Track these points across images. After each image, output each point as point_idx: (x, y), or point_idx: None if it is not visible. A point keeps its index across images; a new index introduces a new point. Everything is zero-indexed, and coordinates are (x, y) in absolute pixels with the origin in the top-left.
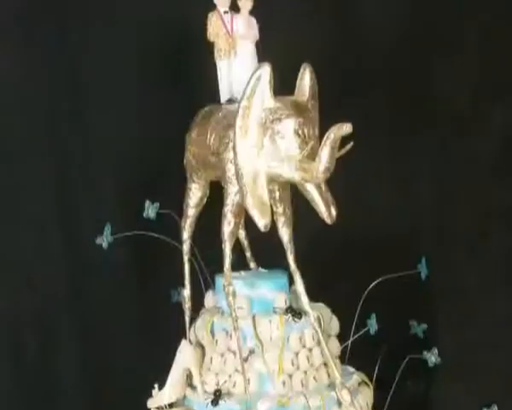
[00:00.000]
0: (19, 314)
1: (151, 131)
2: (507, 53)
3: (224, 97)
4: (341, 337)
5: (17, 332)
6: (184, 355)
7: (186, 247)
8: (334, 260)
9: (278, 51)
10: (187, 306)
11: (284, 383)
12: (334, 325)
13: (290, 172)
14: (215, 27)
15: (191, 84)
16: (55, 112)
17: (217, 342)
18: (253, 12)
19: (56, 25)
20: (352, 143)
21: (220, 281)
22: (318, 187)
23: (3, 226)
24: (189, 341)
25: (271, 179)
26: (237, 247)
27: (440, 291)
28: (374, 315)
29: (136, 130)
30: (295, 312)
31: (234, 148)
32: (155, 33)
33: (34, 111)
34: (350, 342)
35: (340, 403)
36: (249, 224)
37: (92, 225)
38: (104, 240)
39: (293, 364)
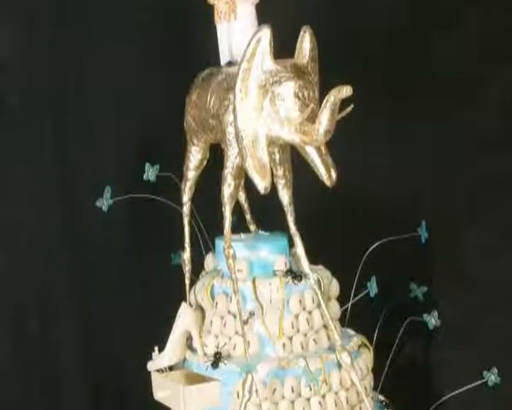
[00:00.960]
0: (18, 280)
1: (151, 93)
2: (507, 27)
3: (223, 60)
4: (341, 300)
5: (16, 296)
6: (184, 318)
7: (186, 209)
8: (334, 222)
9: (278, 14)
10: (187, 268)
11: (284, 345)
12: (334, 287)
13: (290, 135)
14: None
15: (191, 47)
16: (54, 72)
17: (217, 304)
18: None
19: None
20: (351, 106)
21: (220, 244)
22: (318, 150)
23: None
24: (189, 303)
25: (271, 142)
26: (237, 209)
27: (440, 254)
28: (374, 278)
29: (135, 92)
30: (295, 274)
31: (234, 110)
32: None
33: (34, 71)
34: (350, 304)
35: (340, 366)
36: (249, 186)
37: (92, 188)
38: (104, 203)
39: (293, 326)
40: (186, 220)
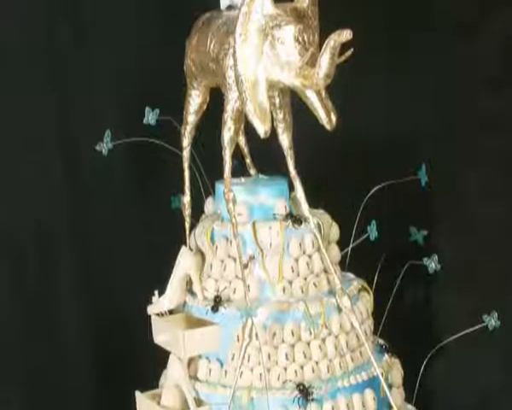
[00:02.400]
0: (18, 221)
1: (151, 37)
2: None
3: (224, 4)
4: (341, 244)
5: (16, 241)
6: (184, 262)
7: (186, 153)
8: (334, 166)
9: None
10: (187, 212)
11: (284, 289)
12: (334, 231)
13: (290, 79)
14: None
15: None
16: (53, 22)
17: (216, 248)
18: None
19: None
20: (352, 50)
21: (220, 188)
22: (318, 93)
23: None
24: (189, 247)
25: (271, 86)
26: (237, 153)
27: (440, 198)
28: (374, 222)
29: (135, 37)
30: (295, 218)
31: (234, 54)
32: None
33: (33, 18)
34: (350, 248)
35: (340, 309)
36: (249, 130)
37: (92, 132)
38: (104, 147)
39: (293, 270)
40: (186, 164)
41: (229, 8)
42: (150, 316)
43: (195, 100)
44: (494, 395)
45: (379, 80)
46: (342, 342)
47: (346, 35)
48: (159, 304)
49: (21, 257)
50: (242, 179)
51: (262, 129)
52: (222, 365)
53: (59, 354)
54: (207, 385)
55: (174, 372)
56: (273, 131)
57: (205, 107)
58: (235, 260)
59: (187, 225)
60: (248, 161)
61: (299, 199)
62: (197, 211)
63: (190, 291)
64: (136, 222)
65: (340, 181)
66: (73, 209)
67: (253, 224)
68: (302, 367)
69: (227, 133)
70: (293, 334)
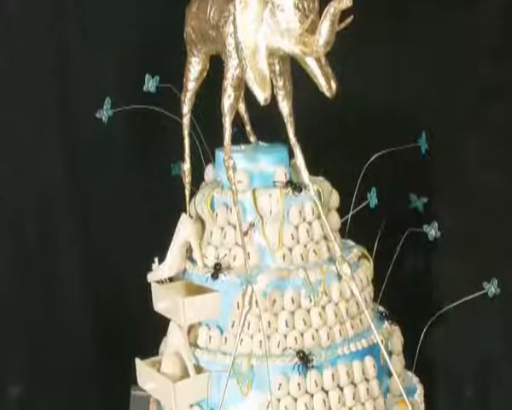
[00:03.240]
0: (17, 190)
1: (151, 5)
2: None
3: None
4: (341, 211)
5: (16, 212)
6: (184, 229)
7: (186, 121)
8: (334, 134)
9: None
10: (187, 180)
11: (284, 256)
12: (334, 198)
13: (290, 46)
14: None
15: None
16: None
17: (217, 215)
18: None
19: None
20: (352, 17)
21: (220, 155)
22: (318, 61)
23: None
24: (189, 215)
25: (271, 53)
26: (237, 121)
27: (440, 166)
28: (374, 189)
29: (136, 4)
30: (295, 185)
31: (234, 21)
32: None
33: None
34: (350, 215)
35: (340, 277)
36: (249, 98)
37: (92, 100)
38: (104, 114)
39: (293, 237)
40: (186, 132)
41: None
42: (150, 283)
43: (195, 67)
44: (494, 362)
45: (379, 48)
46: (342, 309)
47: (346, 2)
48: (159, 271)
49: (21, 229)
50: (242, 147)
51: (262, 96)
52: (222, 332)
53: (59, 323)
54: (207, 352)
55: (174, 340)
56: (273, 98)
57: (205, 74)
58: (235, 227)
59: (187, 193)
60: (248, 128)
61: (299, 166)
62: (197, 178)
63: (190, 259)
64: (136, 190)
65: (340, 148)
66: (73, 177)
67: (253, 191)
68: (302, 335)
69: (227, 101)
70: (293, 301)
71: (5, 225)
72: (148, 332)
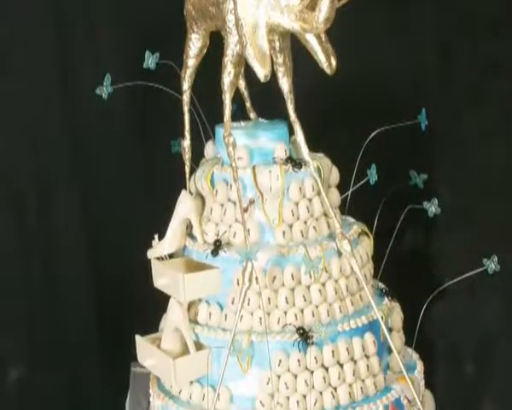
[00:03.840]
0: (19, 170)
1: None
2: None
3: None
4: (341, 188)
5: (16, 185)
6: (184, 206)
7: (186, 97)
8: (334, 110)
9: None
10: (187, 156)
11: (284, 233)
12: (334, 175)
13: (290, 23)
14: None
15: None
16: None
17: (217, 192)
18: None
19: None
20: None
21: (220, 131)
22: (318, 37)
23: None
24: (189, 191)
25: (271, 30)
26: (237, 97)
27: (440, 142)
28: (374, 166)
29: None
30: (295, 162)
31: None
32: None
33: None
34: (350, 192)
35: (340, 253)
36: (249, 74)
37: (92, 76)
38: (104, 91)
39: (293, 214)
40: (186, 108)
41: None
42: (150, 260)
43: (195, 44)
44: (494, 338)
45: (379, 24)
46: (342, 285)
47: None
48: (159, 248)
49: (21, 201)
50: (242, 123)
51: (262, 73)
52: (222, 308)
53: (59, 302)
54: (207, 329)
55: (174, 316)
56: (273, 75)
57: (205, 51)
58: (235, 204)
59: (187, 169)
60: (248, 104)
61: (299, 143)
62: (197, 155)
63: (190, 235)
64: (136, 166)
65: (340, 125)
66: (73, 154)
67: (253, 168)
68: (302, 311)
69: (227, 77)
70: (293, 278)
71: (5, 200)
72: (148, 309)
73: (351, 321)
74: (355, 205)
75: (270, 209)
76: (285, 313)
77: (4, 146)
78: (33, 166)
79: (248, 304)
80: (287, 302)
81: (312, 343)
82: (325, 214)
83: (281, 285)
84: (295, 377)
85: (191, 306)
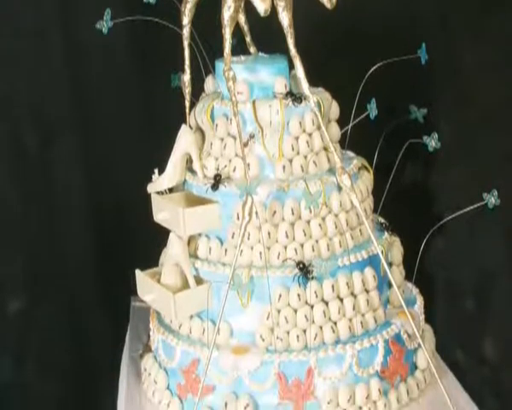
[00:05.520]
0: (18, 108)
1: None
2: None
3: None
4: (341, 122)
5: (16, 123)
6: (184, 140)
7: (186, 32)
8: (334, 45)
9: None
10: (187, 91)
11: (284, 167)
12: (334, 109)
13: None
14: None
15: None
16: None
17: (216, 126)
18: None
19: None
20: None
21: (220, 66)
22: None
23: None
24: (189, 126)
25: None
26: (237, 32)
27: (440, 76)
28: (374, 100)
29: None
30: (295, 96)
31: None
32: None
33: None
34: (350, 126)
35: (340, 188)
36: (249, 9)
37: (92, 11)
38: (104, 25)
39: (293, 148)
40: (186, 43)
41: None
42: (150, 194)
43: None
44: (494, 273)
45: None
46: (342, 220)
47: None
48: (159, 182)
49: (21, 140)
50: (242, 58)
51: (262, 7)
52: (222, 243)
53: (59, 234)
54: (207, 263)
55: (174, 251)
56: (273, 9)
57: None
58: (235, 138)
59: (187, 104)
60: (248, 39)
61: (299, 77)
62: (197, 91)
63: (190, 170)
64: (136, 101)
65: (340, 59)
66: (74, 89)
67: (253, 102)
68: (302, 246)
69: (227, 11)
70: (293, 212)
71: (5, 137)
72: (148, 243)
73: (351, 256)
74: (355, 140)
75: (270, 144)
76: (285, 247)
77: (2, 83)
78: (33, 104)
79: (248, 239)
80: (287, 237)
81: (312, 278)
82: (325, 149)
83: (281, 220)
84: (295, 311)
85: (191, 240)
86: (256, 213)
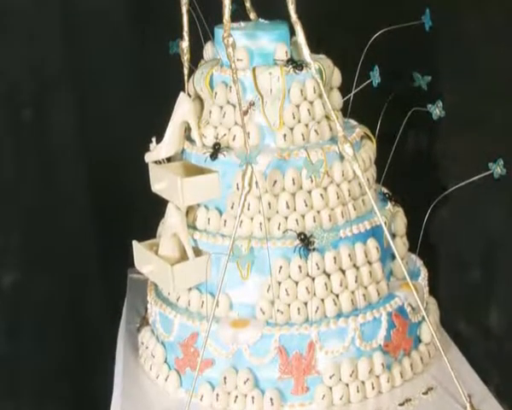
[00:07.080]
0: (13, 67)
1: None
2: None
3: None
4: (343, 90)
5: (10, 84)
6: (183, 108)
7: None
8: (336, 11)
9: None
10: (185, 58)
11: (285, 136)
12: (336, 76)
13: None
14: None
15: None
16: None
17: (216, 94)
18: None
19: None
20: None
21: (219, 32)
22: None
23: None
24: (188, 94)
25: None
26: None
27: (445, 44)
28: (376, 67)
29: None
30: (296, 63)
31: None
32: None
33: None
34: (352, 94)
35: (342, 157)
36: None
37: None
38: None
39: (294, 117)
40: (184, 9)
41: None
42: (148, 164)
43: None
44: (498, 244)
45: None
46: (344, 190)
47: None
48: (156, 151)
49: (16, 102)
50: (242, 24)
51: None
52: (221, 214)
53: (55, 206)
54: (206, 235)
55: (172, 221)
56: None
57: None
58: (234, 106)
59: (185, 71)
60: (248, 5)
61: (300, 44)
62: (196, 57)
63: (189, 138)
64: (133, 68)
65: (342, 26)
66: (70, 52)
67: (253, 69)
68: (303, 216)
69: None
70: (293, 182)
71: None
72: (146, 214)
73: (353, 226)
74: (357, 108)
75: (270, 112)
76: (286, 218)
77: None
78: (28, 60)
79: (248, 209)
80: (287, 207)
81: (314, 249)
82: (327, 117)
83: (281, 190)
84: (296, 284)
85: (189, 211)
86: (256, 182)
